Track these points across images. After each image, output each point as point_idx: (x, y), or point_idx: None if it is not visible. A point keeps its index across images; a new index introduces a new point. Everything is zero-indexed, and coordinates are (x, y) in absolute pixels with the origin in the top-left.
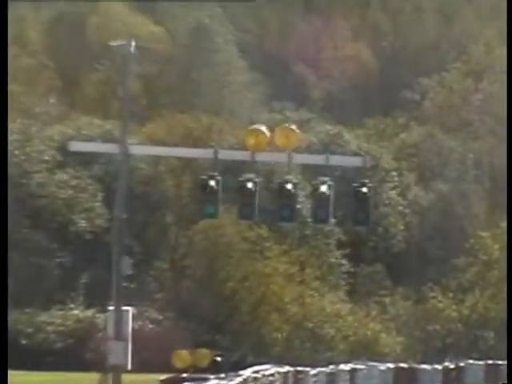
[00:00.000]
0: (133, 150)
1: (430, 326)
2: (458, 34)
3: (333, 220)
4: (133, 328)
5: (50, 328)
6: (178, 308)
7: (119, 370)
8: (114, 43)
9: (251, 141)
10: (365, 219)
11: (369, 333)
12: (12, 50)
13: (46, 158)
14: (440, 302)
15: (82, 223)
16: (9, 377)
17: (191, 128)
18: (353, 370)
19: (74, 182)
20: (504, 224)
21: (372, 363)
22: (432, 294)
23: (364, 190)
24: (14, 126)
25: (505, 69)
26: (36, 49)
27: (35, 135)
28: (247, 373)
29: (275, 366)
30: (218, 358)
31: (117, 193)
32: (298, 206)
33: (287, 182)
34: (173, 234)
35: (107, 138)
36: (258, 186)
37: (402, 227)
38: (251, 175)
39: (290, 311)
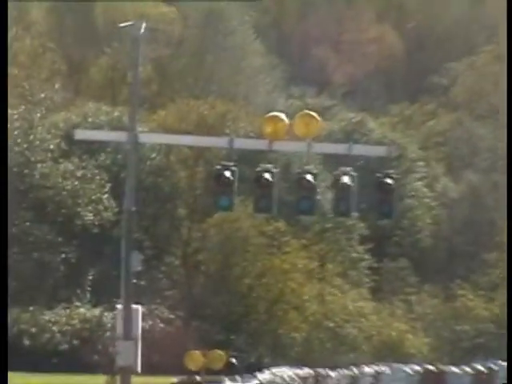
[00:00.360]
0: (143, 139)
1: (458, 325)
2: (489, 15)
3: (355, 213)
4: (143, 327)
5: (54, 328)
6: (190, 306)
7: (128, 372)
8: (122, 24)
9: (269, 129)
10: (389, 212)
11: (394, 333)
12: (13, 31)
13: (51, 146)
14: (470, 300)
15: (89, 216)
16: (11, 379)
17: (205, 115)
18: (377, 373)
19: (79, 173)
20: None
21: (397, 365)
22: (461, 292)
23: (388, 181)
24: (16, 112)
25: None
26: (39, 30)
27: (39, 123)
28: (264, 375)
29: (293, 368)
30: (233, 360)
31: (126, 184)
32: (318, 198)
33: (307, 172)
34: (185, 228)
35: (115, 126)
36: (276, 176)
37: (428, 220)
38: (268, 165)
39: (309, 310)
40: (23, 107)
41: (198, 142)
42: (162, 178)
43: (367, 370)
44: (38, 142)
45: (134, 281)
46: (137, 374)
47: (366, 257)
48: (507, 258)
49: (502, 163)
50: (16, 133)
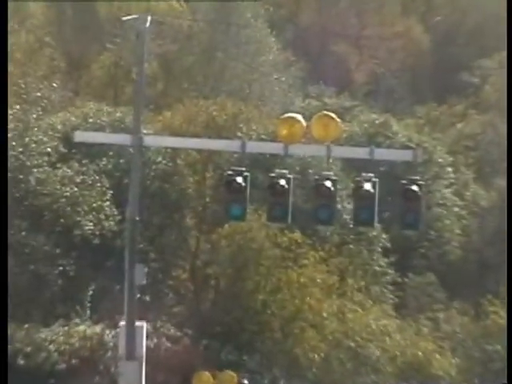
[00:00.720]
0: (147, 142)
1: (489, 345)
2: None
3: (378, 223)
4: (147, 346)
5: (51, 346)
6: (199, 323)
7: None
8: (126, 18)
9: (284, 131)
10: (415, 222)
11: (419, 353)
12: (8, 25)
13: (48, 150)
14: (501, 317)
15: (89, 225)
16: None
17: (215, 116)
18: None
19: (79, 178)
20: None
21: None
22: (492, 309)
23: (414, 188)
24: (10, 113)
25: None
26: (36, 23)
27: (35, 124)
28: None
29: None
30: (245, 381)
31: (129, 191)
32: (338, 207)
33: (325, 178)
34: (193, 239)
35: (118, 128)
36: (292, 183)
37: (457, 231)
38: (284, 171)
39: (328, 328)
40: (18, 107)
41: (207, 146)
42: (168, 184)
43: None
44: (34, 145)
45: (138, 296)
46: None
47: (390, 271)
48: (507, 257)
49: None
50: (10, 135)
